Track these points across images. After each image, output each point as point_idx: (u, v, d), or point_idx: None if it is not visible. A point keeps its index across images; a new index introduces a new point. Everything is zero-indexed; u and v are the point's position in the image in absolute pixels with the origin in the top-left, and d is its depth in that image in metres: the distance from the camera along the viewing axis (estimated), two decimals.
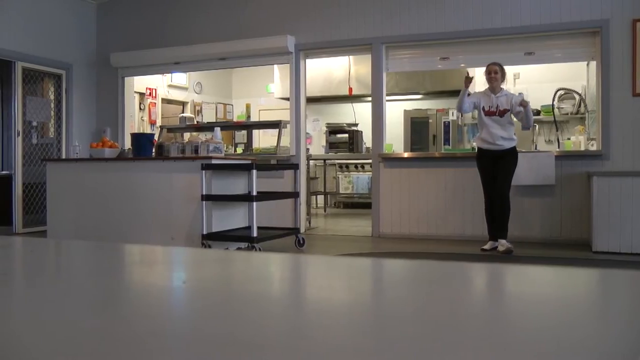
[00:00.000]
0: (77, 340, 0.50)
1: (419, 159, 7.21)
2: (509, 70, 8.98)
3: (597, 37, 6.52)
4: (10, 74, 7.89)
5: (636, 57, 6.29)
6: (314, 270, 0.91)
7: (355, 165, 10.95)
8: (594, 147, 6.70)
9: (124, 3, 8.86)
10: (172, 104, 11.20)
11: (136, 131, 9.29)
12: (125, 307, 0.64)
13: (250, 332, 0.52)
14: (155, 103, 10.72)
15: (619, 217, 5.67)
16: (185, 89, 11.44)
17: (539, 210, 6.56)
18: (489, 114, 5.69)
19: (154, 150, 6.30)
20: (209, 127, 8.43)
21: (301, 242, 6.16)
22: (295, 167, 6.52)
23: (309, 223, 8.07)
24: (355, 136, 10.66)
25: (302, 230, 7.21)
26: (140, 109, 10.34)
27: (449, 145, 8.92)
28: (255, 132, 10.98)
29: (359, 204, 10.91)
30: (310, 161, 9.04)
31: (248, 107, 11.07)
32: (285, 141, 8.05)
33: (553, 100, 7.84)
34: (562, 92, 8.30)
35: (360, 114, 10.66)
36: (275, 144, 8.01)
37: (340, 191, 11.08)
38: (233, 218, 6.03)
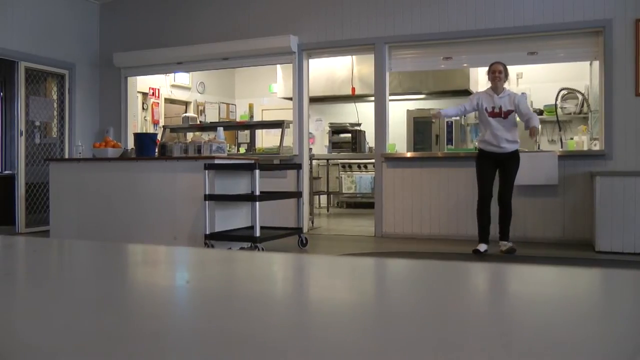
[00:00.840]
0: (80, 340, 0.50)
1: (421, 159, 7.20)
2: (512, 70, 9.02)
3: (600, 37, 6.51)
4: (13, 74, 7.91)
5: (639, 56, 6.28)
6: (317, 270, 0.91)
7: (358, 165, 10.95)
8: (596, 147, 6.69)
9: (127, 3, 8.87)
10: (175, 104, 11.21)
11: (139, 131, 9.30)
12: (128, 306, 0.64)
13: (253, 331, 0.52)
14: (158, 103, 10.74)
15: (622, 217, 5.65)
16: (188, 88, 11.45)
17: (541, 210, 6.55)
18: (492, 115, 5.60)
19: (156, 150, 6.31)
20: (211, 127, 8.43)
21: (304, 242, 6.16)
22: (298, 167, 6.52)
23: (312, 223, 8.07)
24: (358, 136, 10.65)
25: (305, 230, 7.21)
26: (143, 108, 10.35)
27: (452, 145, 8.91)
28: (258, 132, 11.00)
29: (361, 204, 10.91)
30: (313, 161, 9.03)
31: (251, 107, 11.08)
32: (288, 141, 8.05)
33: (556, 100, 7.83)
34: (565, 92, 8.28)
35: (363, 114, 10.66)
36: (278, 144, 8.01)
37: (343, 191, 11.08)
38: (236, 218, 6.03)
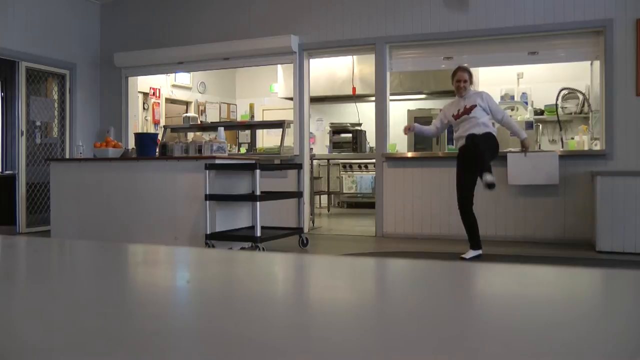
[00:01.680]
0: (81, 340, 0.50)
1: (422, 159, 7.21)
2: (512, 69, 9.02)
3: (600, 36, 6.51)
4: (14, 74, 7.92)
5: None
6: (318, 270, 0.91)
7: (359, 165, 10.95)
8: (597, 146, 6.69)
9: (128, 3, 8.88)
10: (175, 104, 11.22)
11: (140, 131, 9.31)
12: (128, 306, 0.64)
13: (254, 331, 0.52)
14: (158, 103, 10.74)
15: (622, 217, 5.65)
16: (189, 88, 11.46)
17: (542, 210, 6.55)
18: (458, 117, 5.43)
19: (157, 150, 6.31)
20: (212, 127, 8.44)
21: (305, 241, 6.16)
22: (298, 166, 6.52)
23: (313, 223, 8.07)
24: (358, 136, 10.66)
25: (306, 230, 7.21)
26: (144, 108, 10.36)
27: (453, 145, 8.89)
28: (258, 131, 10.99)
29: (362, 204, 10.91)
30: (314, 161, 9.03)
31: (252, 106, 11.07)
32: (289, 141, 8.05)
33: (557, 99, 7.82)
34: (565, 91, 8.28)
35: (363, 114, 10.66)
36: (279, 144, 8.01)
37: (344, 191, 11.09)
38: (236, 218, 6.03)
